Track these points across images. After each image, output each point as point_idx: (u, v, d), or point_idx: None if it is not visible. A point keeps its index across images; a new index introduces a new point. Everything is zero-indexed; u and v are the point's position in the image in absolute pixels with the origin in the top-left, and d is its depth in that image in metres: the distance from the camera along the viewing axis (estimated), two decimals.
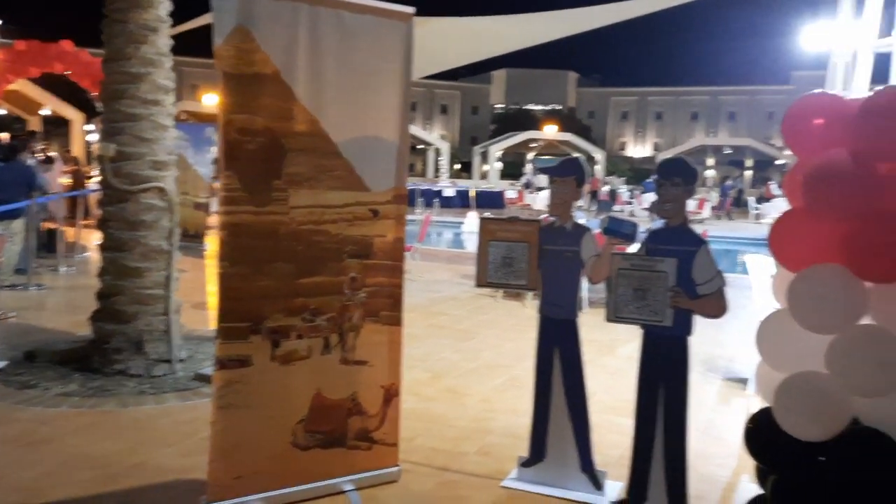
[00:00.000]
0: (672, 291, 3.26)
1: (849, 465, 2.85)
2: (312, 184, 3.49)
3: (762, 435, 3.12)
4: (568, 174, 3.76)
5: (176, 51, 5.80)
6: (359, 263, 3.65)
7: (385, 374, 3.78)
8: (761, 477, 3.33)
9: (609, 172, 43.02)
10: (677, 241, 3.33)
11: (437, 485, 3.87)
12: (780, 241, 3.01)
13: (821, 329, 2.85)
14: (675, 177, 3.32)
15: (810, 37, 16.42)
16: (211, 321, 5.04)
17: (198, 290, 8.56)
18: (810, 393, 2.90)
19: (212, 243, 12.06)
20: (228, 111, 3.28)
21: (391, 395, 3.80)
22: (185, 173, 11.56)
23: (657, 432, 3.40)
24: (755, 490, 3.24)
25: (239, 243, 3.34)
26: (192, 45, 10.04)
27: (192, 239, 12.08)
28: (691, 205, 28.54)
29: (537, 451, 3.90)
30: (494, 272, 3.86)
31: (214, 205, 12.05)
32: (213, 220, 11.69)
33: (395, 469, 3.84)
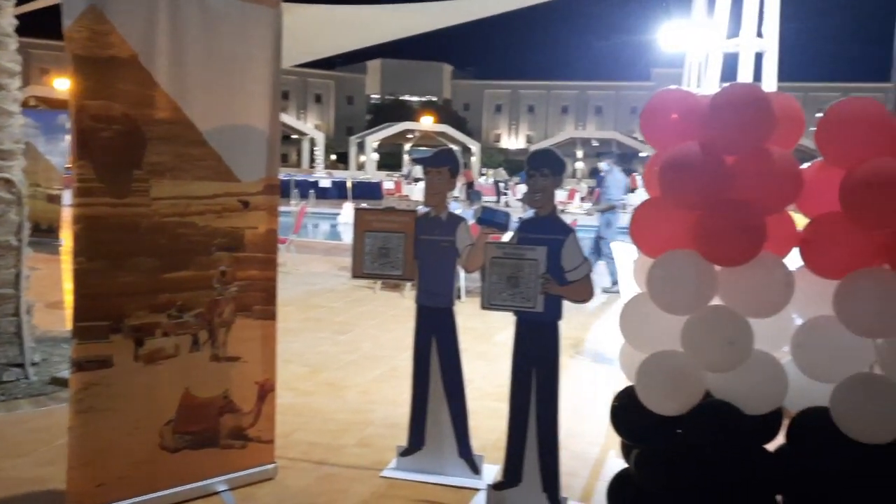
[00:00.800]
0: (542, 278, 3.37)
1: (702, 435, 3.06)
2: (176, 174, 3.34)
3: (626, 412, 3.30)
4: (442, 165, 3.80)
5: (22, 31, 5.37)
6: (229, 256, 3.53)
7: (259, 370, 3.69)
8: (626, 452, 3.52)
9: (484, 164, 43.94)
10: (547, 229, 3.44)
11: (315, 479, 3.82)
12: (639, 229, 3.18)
13: (676, 310, 3.04)
14: (545, 168, 3.43)
15: (667, 36, 17.44)
16: (68, 321, 4.72)
17: (53, 289, 8.00)
18: (667, 370, 3.10)
19: (67, 238, 11.27)
20: (81, 97, 3.07)
21: (266, 390, 3.71)
22: (36, 163, 10.73)
23: (531, 415, 3.51)
24: (621, 464, 3.43)
25: (96, 237, 3.14)
26: (42, 26, 9.30)
27: (46, 234, 11.27)
28: (562, 195, 29.61)
29: (416, 440, 3.94)
30: (370, 263, 3.85)
31: (68, 197, 11.29)
32: (68, 213, 10.95)
33: (271, 466, 3.76)
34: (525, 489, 3.52)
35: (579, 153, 49.84)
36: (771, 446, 3.16)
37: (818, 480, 2.98)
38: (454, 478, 3.84)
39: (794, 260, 3.07)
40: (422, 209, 3.89)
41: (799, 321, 3.13)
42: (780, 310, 3.02)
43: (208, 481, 3.54)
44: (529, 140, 72.27)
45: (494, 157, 54.40)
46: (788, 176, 2.91)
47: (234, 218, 3.53)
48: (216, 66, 3.41)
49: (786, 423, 3.14)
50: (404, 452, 3.95)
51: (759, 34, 9.82)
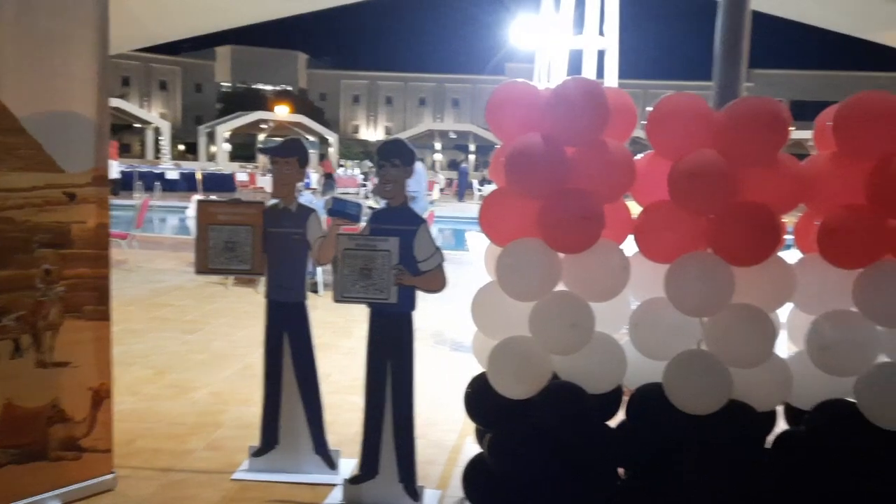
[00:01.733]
0: (395, 269, 3.36)
1: (550, 416, 3.18)
2: None
3: (478, 398, 3.37)
4: (290, 155, 3.69)
5: None
6: (54, 254, 3.24)
7: (92, 375, 3.42)
8: (480, 437, 3.60)
9: (343, 156, 43.47)
10: (399, 220, 3.43)
11: (160, 487, 3.61)
12: (488, 219, 3.24)
13: (523, 297, 3.14)
14: (395, 158, 3.42)
15: (518, 33, 18.00)
16: None
17: None
18: (517, 355, 3.19)
19: None
20: None
21: (101, 397, 3.45)
22: None
23: (386, 407, 3.50)
24: (477, 450, 3.50)
25: None
26: None
27: None
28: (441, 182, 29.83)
29: (269, 439, 3.82)
30: (216, 258, 3.67)
31: None
32: None
33: (109, 477, 3.51)
34: (381, 481, 3.51)
35: (438, 145, 50.50)
36: (612, 423, 3.35)
37: (656, 452, 3.18)
38: (309, 475, 3.76)
39: (629, 246, 3.26)
40: (271, 201, 3.77)
41: (635, 304, 3.33)
42: (618, 293, 3.19)
43: (38, 497, 3.25)
44: (388, 131, 72.38)
45: (353, 149, 54.00)
46: (623, 166, 3.08)
47: (59, 212, 3.25)
48: (30, 46, 3.11)
49: (625, 399, 3.33)
50: (257, 453, 3.82)
51: (601, 33, 10.35)
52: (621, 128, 3.19)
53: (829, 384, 3.12)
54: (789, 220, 3.25)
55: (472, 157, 51.71)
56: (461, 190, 31.20)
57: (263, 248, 3.67)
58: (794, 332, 3.32)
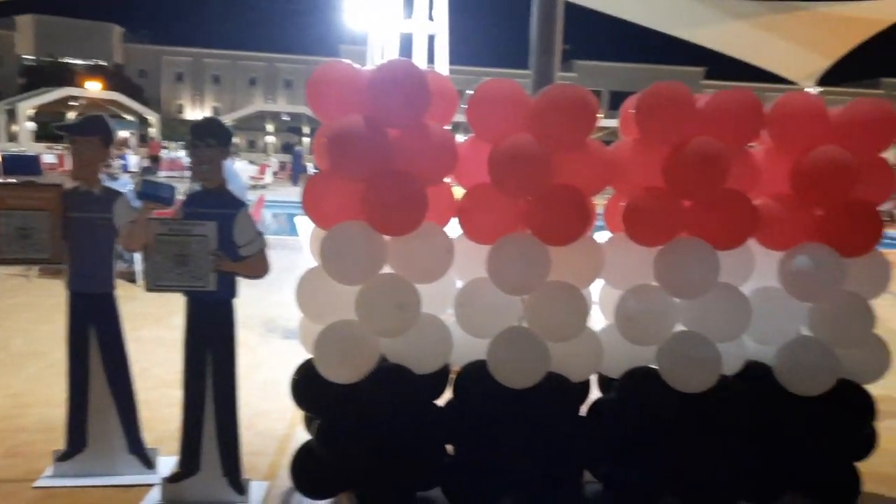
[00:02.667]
0: (213, 255, 3.20)
1: (378, 398, 3.18)
2: None
3: (306, 385, 3.30)
4: (90, 133, 3.39)
5: None
6: None
7: None
8: (309, 424, 3.54)
9: (167, 137, 40.91)
10: (216, 203, 3.26)
11: None
12: (311, 202, 3.16)
13: (348, 280, 3.10)
14: (210, 138, 3.24)
15: (351, 13, 17.78)
16: None
17: None
18: (343, 340, 3.16)
19: None
20: None
21: None
22: None
23: (207, 400, 3.34)
24: (307, 438, 3.43)
25: None
26: None
27: None
28: (252, 170, 28.74)
29: (77, 441, 3.52)
30: (7, 246, 3.31)
31: None
32: None
33: None
34: (204, 477, 3.35)
35: (270, 127, 48.86)
36: (440, 402, 3.42)
37: (481, 427, 3.28)
38: (124, 476, 3.51)
39: (453, 228, 3.32)
40: (70, 184, 3.44)
41: (460, 284, 3.40)
42: (442, 274, 3.24)
43: None
44: (216, 112, 68.93)
45: (178, 130, 50.94)
46: (444, 149, 3.12)
47: None
48: None
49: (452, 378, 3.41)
50: (62, 457, 3.51)
51: (431, 18, 10.46)
52: (442, 111, 3.23)
53: (636, 353, 3.37)
54: (600, 202, 3.47)
55: (306, 140, 50.62)
56: (295, 174, 30.53)
57: (64, 235, 3.35)
58: (604, 306, 3.55)
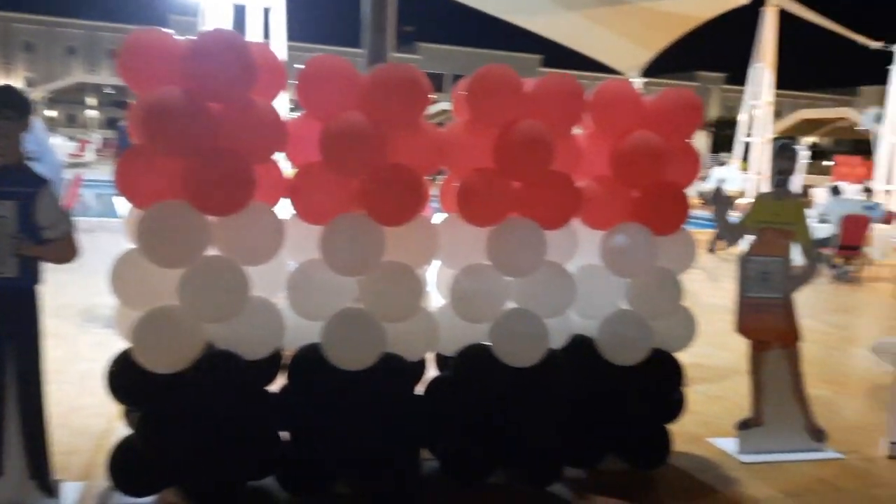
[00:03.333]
0: (14, 238, 2.88)
1: (206, 387, 3.03)
2: None
3: (123, 376, 3.08)
4: None
5: None
6: None
7: None
8: (129, 418, 3.30)
9: None
10: (15, 181, 2.93)
11: None
12: (125, 180, 2.93)
13: (169, 263, 2.91)
14: (5, 108, 2.90)
15: None
16: None
17: None
18: (164, 327, 2.96)
19: None
20: None
21: None
22: None
23: (9, 396, 3.02)
24: (127, 433, 3.20)
25: None
26: None
27: None
28: (71, 147, 26.43)
29: None
30: None
31: None
32: None
33: None
34: (8, 480, 3.03)
35: (91, 100, 45.06)
36: (273, 388, 3.31)
37: (316, 411, 3.22)
38: None
39: (286, 208, 3.21)
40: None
41: (293, 266, 3.30)
42: (273, 256, 3.13)
43: None
44: (30, 83, 62.55)
45: None
46: (272, 126, 3.00)
47: None
48: None
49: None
50: None
51: None
52: (269, 86, 3.10)
53: (470, 331, 3.44)
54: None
55: None
56: (120, 151, 28.34)
57: None
58: (440, 286, 3.58)
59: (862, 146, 32.13)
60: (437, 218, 3.51)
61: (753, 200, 4.09)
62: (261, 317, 3.15)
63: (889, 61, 18.90)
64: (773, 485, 3.65)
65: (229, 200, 2.88)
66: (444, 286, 3.47)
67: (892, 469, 3.90)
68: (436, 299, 3.60)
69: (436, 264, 3.50)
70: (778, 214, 4.02)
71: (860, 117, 22.73)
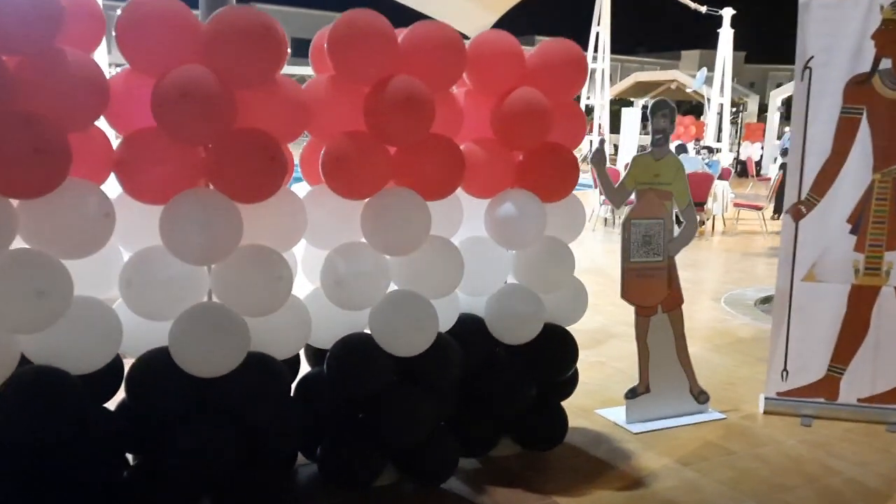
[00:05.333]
0: None
1: (24, 411, 2.42)
2: None
3: None
4: None
5: None
6: None
7: None
8: None
9: None
10: None
11: None
12: None
13: None
14: None
15: None
16: None
17: None
18: None
19: None
20: None
21: None
22: None
23: None
24: None
25: None
26: None
27: None
28: None
29: None
30: None
31: None
32: None
33: None
34: None
35: None
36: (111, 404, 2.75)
37: (167, 426, 2.69)
38: None
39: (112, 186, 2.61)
40: None
41: (127, 256, 2.72)
42: (101, 246, 2.54)
43: None
44: None
45: None
46: (89, 84, 2.38)
47: None
48: None
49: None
50: None
51: None
52: (85, 34, 2.48)
53: (348, 319, 3.02)
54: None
55: None
56: None
57: None
58: (309, 270, 3.12)
59: (685, 107, 34.44)
60: (301, 190, 3.04)
61: (631, 161, 3.93)
62: (87, 322, 2.56)
63: (718, 25, 20.11)
64: (666, 453, 3.55)
65: (34, 179, 2.26)
66: (315, 270, 3.02)
67: (770, 426, 3.94)
68: (305, 285, 3.14)
69: (302, 245, 3.02)
70: (658, 175, 3.89)
71: (690, 80, 24.15)
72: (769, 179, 19.61)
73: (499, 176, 3.22)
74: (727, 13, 19.89)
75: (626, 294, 3.89)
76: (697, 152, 14.12)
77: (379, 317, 2.98)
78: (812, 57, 3.91)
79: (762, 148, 24.63)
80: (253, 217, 2.67)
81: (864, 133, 3.88)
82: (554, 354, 3.39)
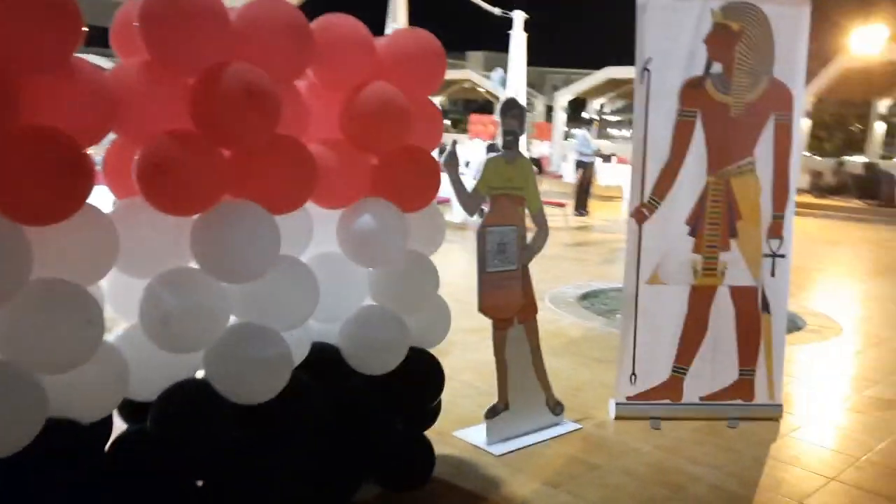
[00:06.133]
0: None
1: None
2: None
3: None
4: None
5: None
6: None
7: None
8: None
9: None
10: None
11: None
12: None
13: None
14: None
15: None
16: None
17: None
18: None
19: None
20: None
21: None
22: None
23: None
24: None
25: None
26: None
27: None
28: None
29: None
30: None
31: None
32: None
33: None
34: None
35: None
36: None
37: None
38: None
39: None
40: None
41: None
42: None
43: None
44: None
45: None
46: None
47: None
48: None
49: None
50: None
51: None
52: None
53: (176, 362, 2.44)
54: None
55: None
56: None
57: None
58: (120, 304, 2.49)
59: (474, 105, 35.60)
60: (107, 206, 2.41)
61: (486, 165, 3.66)
62: None
63: (508, 27, 20.75)
64: (534, 476, 3.34)
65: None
66: (129, 304, 2.40)
67: (624, 433, 3.88)
68: (118, 324, 2.50)
69: (114, 274, 2.39)
70: (511, 179, 3.67)
71: (484, 79, 24.89)
72: (561, 177, 20.81)
73: (352, 183, 2.80)
74: (519, 16, 20.69)
75: (484, 306, 3.63)
76: (489, 150, 14.44)
77: (217, 358, 2.44)
78: (650, 59, 3.90)
79: (550, 147, 26.09)
80: (47, 243, 2.03)
81: (699, 136, 3.95)
82: (419, 381, 3.02)
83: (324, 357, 2.80)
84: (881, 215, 16.71)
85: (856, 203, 18.54)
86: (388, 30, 22.38)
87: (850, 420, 4.25)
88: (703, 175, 3.98)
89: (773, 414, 4.13)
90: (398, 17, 22.38)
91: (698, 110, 3.94)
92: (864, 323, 6.79)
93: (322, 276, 2.68)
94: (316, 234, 2.78)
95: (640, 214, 3.98)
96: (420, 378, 3.00)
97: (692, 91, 3.93)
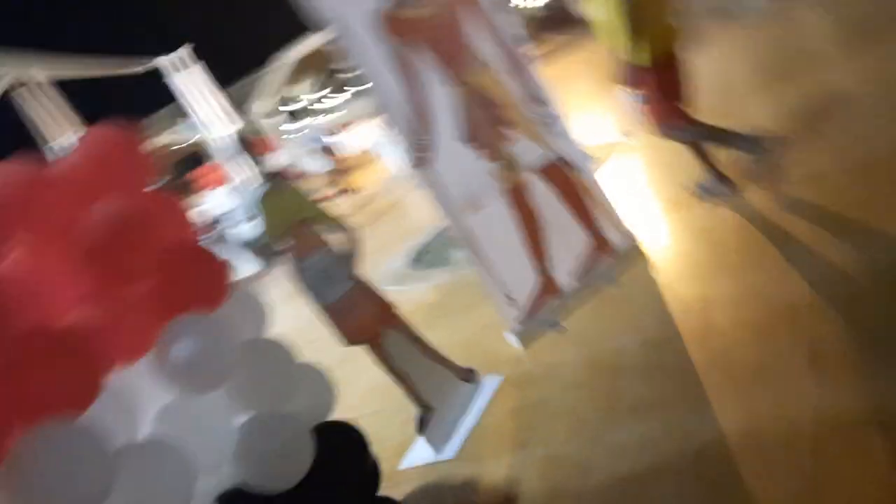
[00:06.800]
0: None
1: None
2: None
3: None
4: None
5: None
6: None
7: None
8: None
9: None
10: None
11: None
12: None
13: None
14: None
15: None
16: None
17: None
18: None
19: None
20: None
21: None
22: None
23: None
24: None
25: None
26: None
27: None
28: None
29: None
30: None
31: None
32: None
33: None
34: None
35: None
36: None
37: None
38: None
39: None
40: None
41: None
42: None
43: None
44: None
45: None
46: None
47: None
48: None
49: None
50: None
51: None
52: None
53: None
54: None
55: None
56: None
57: None
58: None
59: (190, 161, 32.87)
60: None
61: (262, 206, 3.26)
62: None
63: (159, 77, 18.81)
64: (499, 449, 3.13)
65: None
66: None
67: (541, 354, 3.72)
68: None
69: None
70: (289, 207, 3.31)
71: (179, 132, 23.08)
72: (303, 174, 20.22)
73: (137, 317, 2.32)
74: (162, 61, 19.09)
75: (349, 337, 3.31)
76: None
77: None
78: (336, 16, 3.64)
79: (282, 153, 25.33)
80: None
81: (427, 57, 3.80)
82: (343, 457, 2.66)
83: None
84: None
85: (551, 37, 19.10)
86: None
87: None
88: (449, 91, 3.85)
89: (634, 247, 4.19)
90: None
91: (407, 37, 3.77)
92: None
93: (177, 431, 2.22)
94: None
95: (421, 160, 3.79)
96: (343, 452, 2.64)
97: (394, 24, 3.74)
